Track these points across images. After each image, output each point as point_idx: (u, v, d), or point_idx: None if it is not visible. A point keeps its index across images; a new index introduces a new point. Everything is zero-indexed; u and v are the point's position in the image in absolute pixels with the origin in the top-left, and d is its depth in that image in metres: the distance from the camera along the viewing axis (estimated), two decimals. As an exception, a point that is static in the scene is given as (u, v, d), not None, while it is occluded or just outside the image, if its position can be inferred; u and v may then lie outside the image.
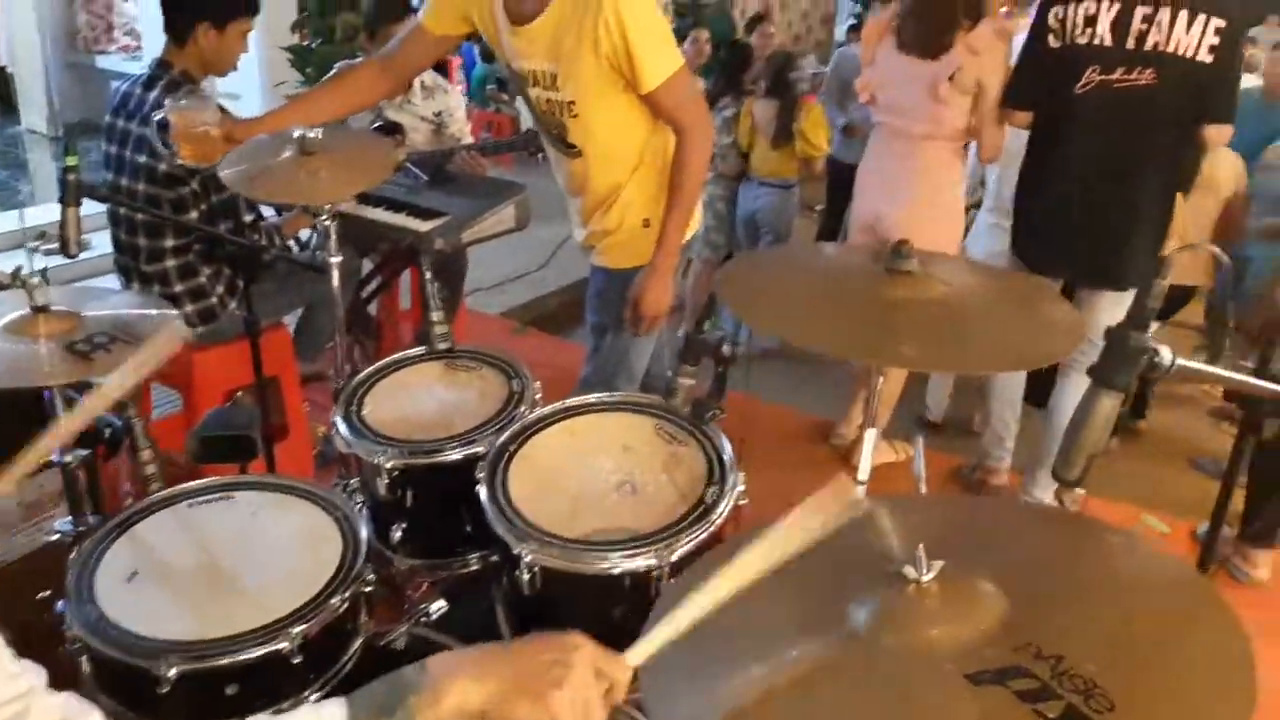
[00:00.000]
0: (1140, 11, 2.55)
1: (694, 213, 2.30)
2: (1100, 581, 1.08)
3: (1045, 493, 3.09)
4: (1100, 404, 0.99)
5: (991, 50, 2.91)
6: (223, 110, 2.52)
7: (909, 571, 0.98)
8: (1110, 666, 0.87)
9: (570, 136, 2.20)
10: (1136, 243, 2.76)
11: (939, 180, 3.09)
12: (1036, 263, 2.87)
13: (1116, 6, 2.56)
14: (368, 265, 3.57)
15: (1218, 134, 2.69)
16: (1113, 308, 2.82)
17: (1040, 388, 3.13)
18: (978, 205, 4.02)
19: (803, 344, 1.38)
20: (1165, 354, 1.00)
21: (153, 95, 2.55)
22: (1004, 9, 3.19)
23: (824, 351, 1.30)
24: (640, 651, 0.96)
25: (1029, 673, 0.87)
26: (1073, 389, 2.98)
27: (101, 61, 7.88)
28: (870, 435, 1.59)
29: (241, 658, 1.39)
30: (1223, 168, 3.60)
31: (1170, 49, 2.55)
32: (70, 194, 1.84)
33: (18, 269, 1.82)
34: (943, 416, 3.90)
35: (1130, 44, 2.58)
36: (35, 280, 1.72)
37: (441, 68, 6.64)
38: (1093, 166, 2.72)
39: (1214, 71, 2.57)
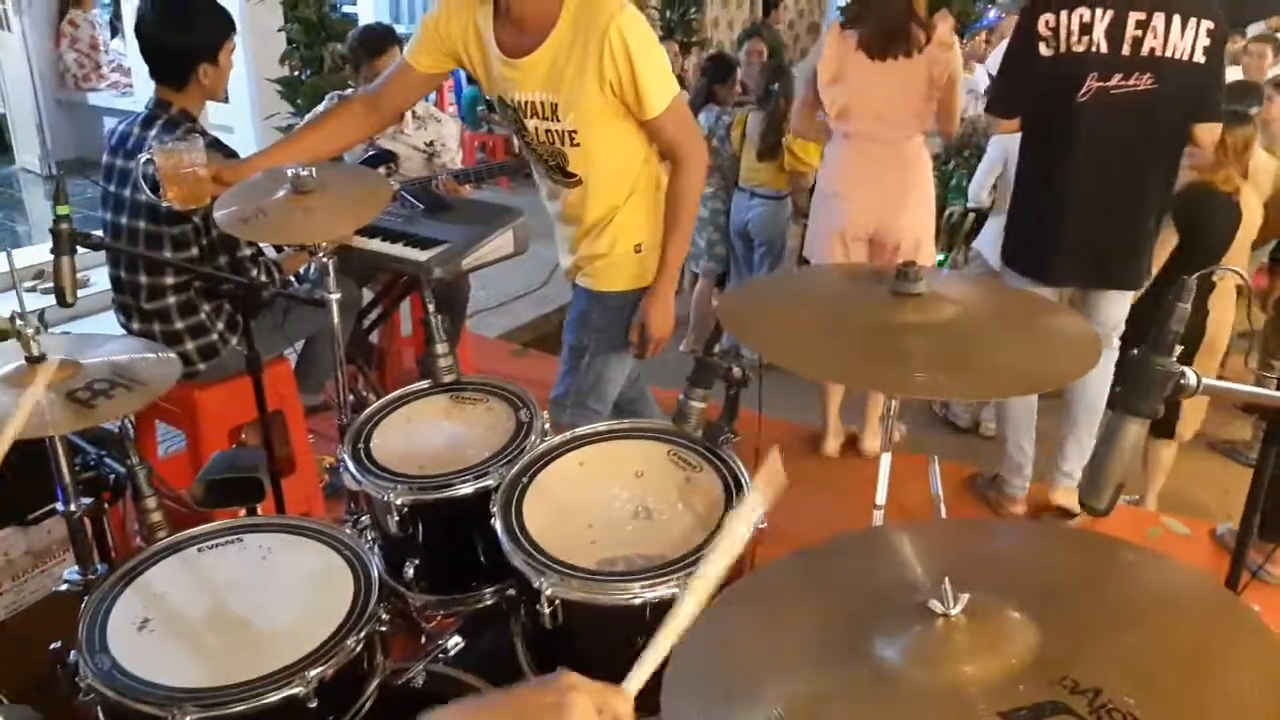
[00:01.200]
0: (1134, 18, 2.56)
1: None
2: (1130, 605, 1.05)
3: (1076, 471, 3.08)
4: (1126, 431, 0.98)
5: (954, 43, 3.04)
6: (219, 144, 2.51)
7: (936, 605, 0.96)
8: (1150, 698, 0.85)
9: (570, 165, 2.20)
10: (1143, 244, 2.79)
11: (919, 174, 3.18)
12: (1037, 272, 2.86)
13: (1110, 14, 2.57)
14: (368, 294, 3.56)
15: (1208, 132, 2.71)
16: (1120, 302, 2.86)
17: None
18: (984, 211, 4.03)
19: (812, 376, 1.36)
20: (1190, 376, 0.99)
21: (151, 134, 2.54)
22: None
23: (835, 382, 1.28)
24: (637, 679, 0.96)
25: (1067, 709, 0.84)
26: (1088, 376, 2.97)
27: (93, 99, 7.88)
28: (886, 459, 1.57)
29: (257, 704, 1.38)
30: (1261, 170, 3.58)
31: (1168, 54, 2.57)
32: (63, 245, 1.83)
33: (14, 314, 1.80)
34: (970, 422, 3.89)
35: (1126, 50, 2.58)
36: (30, 330, 1.71)
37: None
38: (1096, 173, 2.72)
39: (1206, 72, 2.61)
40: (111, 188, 2.64)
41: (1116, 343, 2.86)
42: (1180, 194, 3.00)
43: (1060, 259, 2.82)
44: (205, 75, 2.57)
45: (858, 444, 3.50)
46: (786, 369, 1.32)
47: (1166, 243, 2.98)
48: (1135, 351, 0.99)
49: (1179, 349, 1.01)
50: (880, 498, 1.57)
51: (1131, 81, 2.60)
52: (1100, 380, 2.98)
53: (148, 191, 2.35)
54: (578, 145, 2.15)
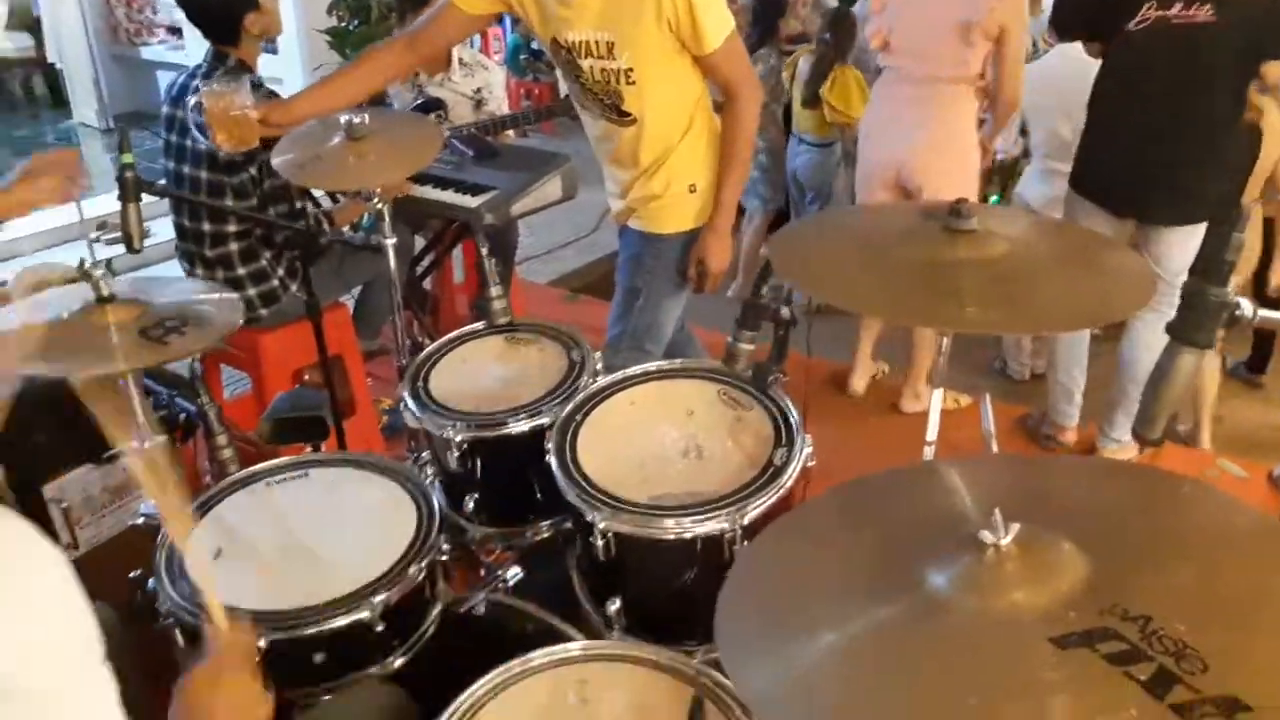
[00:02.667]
0: None
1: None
2: (1182, 537, 1.06)
3: (1124, 436, 3.06)
4: (1181, 362, 0.97)
5: None
6: (272, 94, 2.55)
7: (986, 536, 0.98)
8: (1200, 626, 0.86)
9: (626, 105, 2.20)
10: (1206, 177, 2.71)
11: (959, 123, 3.05)
12: (1101, 199, 2.81)
13: None
14: (420, 241, 3.61)
15: (1277, 70, 2.61)
16: (1184, 244, 2.78)
17: None
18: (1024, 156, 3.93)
19: (862, 311, 1.36)
20: (1246, 306, 0.98)
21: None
22: None
23: (885, 320, 1.28)
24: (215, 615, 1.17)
25: (1117, 635, 0.85)
26: (1143, 330, 2.93)
27: (146, 53, 7.98)
28: (937, 395, 1.58)
29: (327, 627, 1.44)
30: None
31: None
32: (129, 191, 1.88)
33: (81, 261, 1.87)
34: (1027, 375, 3.83)
35: None
36: (99, 272, 1.77)
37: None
38: (1153, 103, 2.67)
39: (1272, 8, 2.52)
40: (173, 138, 2.70)
41: (1176, 300, 2.79)
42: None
43: (1115, 187, 2.78)
44: (253, 24, 2.59)
45: (899, 404, 3.47)
46: (836, 305, 1.33)
47: None
48: (1189, 280, 0.98)
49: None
50: (931, 434, 1.57)
51: (1191, 11, 2.52)
52: (1154, 346, 2.93)
53: (198, 136, 2.37)
54: (633, 84, 2.15)
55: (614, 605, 1.58)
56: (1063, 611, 0.91)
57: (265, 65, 2.92)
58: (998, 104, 3.04)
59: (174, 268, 2.94)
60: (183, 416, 2.11)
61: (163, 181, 2.73)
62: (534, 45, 7.71)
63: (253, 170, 2.60)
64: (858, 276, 1.49)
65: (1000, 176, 4.58)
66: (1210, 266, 0.98)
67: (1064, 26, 2.83)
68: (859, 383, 3.50)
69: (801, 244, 1.71)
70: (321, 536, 1.63)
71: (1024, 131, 3.73)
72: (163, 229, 3.15)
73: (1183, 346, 0.98)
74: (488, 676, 1.31)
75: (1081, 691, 0.82)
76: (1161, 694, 0.80)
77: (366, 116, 2.10)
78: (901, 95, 3.07)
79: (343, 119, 2.12)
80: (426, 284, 3.68)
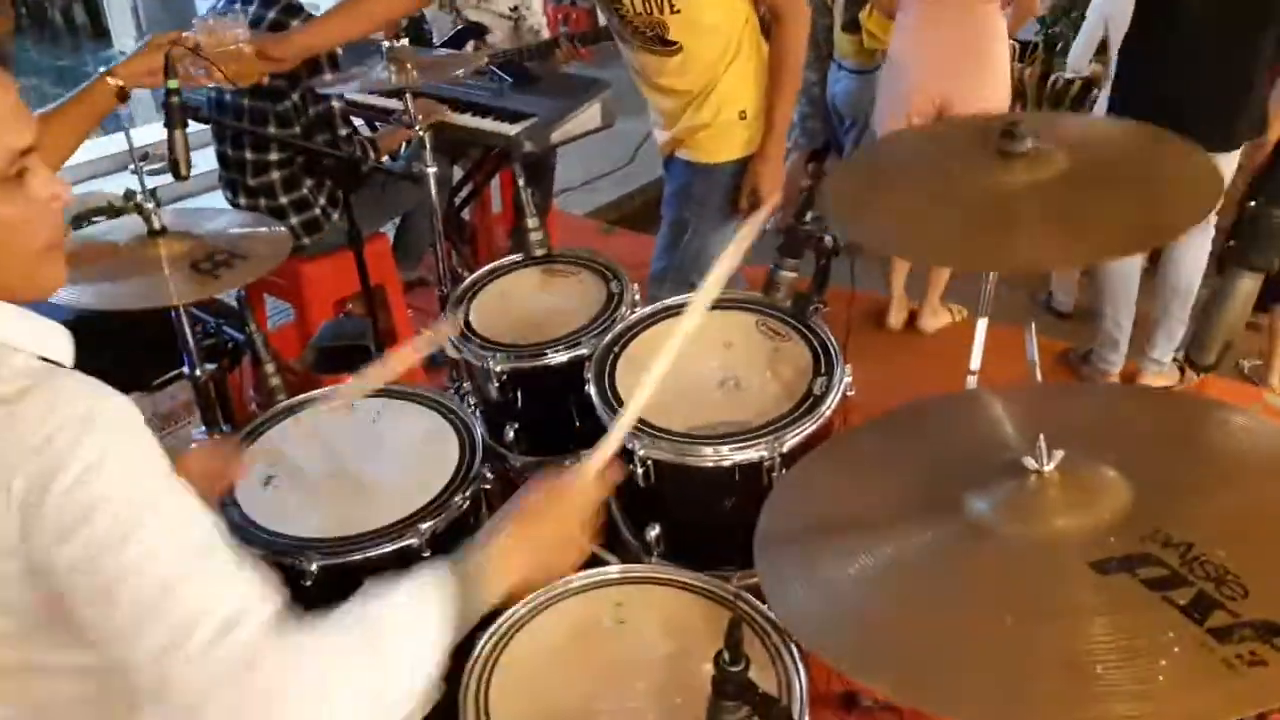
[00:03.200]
0: None
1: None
2: (1225, 465, 1.05)
3: (1165, 358, 3.03)
4: (1240, 286, 0.95)
5: None
6: (309, 18, 2.53)
7: (1029, 462, 0.98)
8: (1241, 552, 0.86)
9: (671, 34, 2.16)
10: (1245, 104, 2.69)
11: (991, 43, 3.00)
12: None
13: None
14: (458, 172, 3.60)
15: None
16: (1224, 169, 2.71)
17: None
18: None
19: (917, 259, 1.34)
20: (1308, 230, 0.95)
21: (253, 9, 2.58)
22: None
23: (940, 265, 1.25)
24: (599, 457, 1.15)
25: (1158, 560, 0.86)
26: (1186, 246, 2.89)
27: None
28: (982, 324, 1.56)
29: (376, 553, 1.48)
30: None
31: None
32: (175, 117, 1.90)
33: (129, 192, 1.89)
34: (1072, 306, 3.76)
35: None
36: (151, 204, 1.80)
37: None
38: (1200, 27, 2.61)
39: None
40: None
41: (1213, 219, 2.73)
42: None
43: (1154, 114, 2.70)
44: None
45: (916, 319, 3.45)
46: (902, 258, 1.30)
47: None
48: (1252, 203, 0.95)
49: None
50: (975, 363, 1.56)
51: None
52: (1194, 261, 2.87)
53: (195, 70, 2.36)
54: (678, 11, 2.11)
55: (653, 532, 1.60)
56: (1104, 537, 0.92)
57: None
58: (1019, 12, 3.03)
59: (217, 198, 2.97)
60: (230, 345, 2.15)
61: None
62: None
63: (295, 97, 2.59)
64: (911, 220, 1.44)
65: (1049, 106, 4.44)
66: (1272, 187, 0.95)
67: None
68: (896, 317, 3.48)
69: (851, 186, 1.64)
70: (368, 466, 1.66)
71: (1101, 51, 3.59)
72: (202, 160, 3.17)
73: (1242, 270, 0.95)
74: (525, 600, 1.34)
75: (1119, 615, 0.83)
76: (1200, 618, 0.81)
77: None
78: (939, 19, 2.99)
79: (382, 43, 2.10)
80: (465, 214, 3.68)
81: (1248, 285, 0.95)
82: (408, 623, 0.96)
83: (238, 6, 2.62)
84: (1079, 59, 3.85)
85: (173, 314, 1.93)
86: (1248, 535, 0.91)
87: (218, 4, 2.72)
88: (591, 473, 1.14)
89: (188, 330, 1.89)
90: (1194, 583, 0.84)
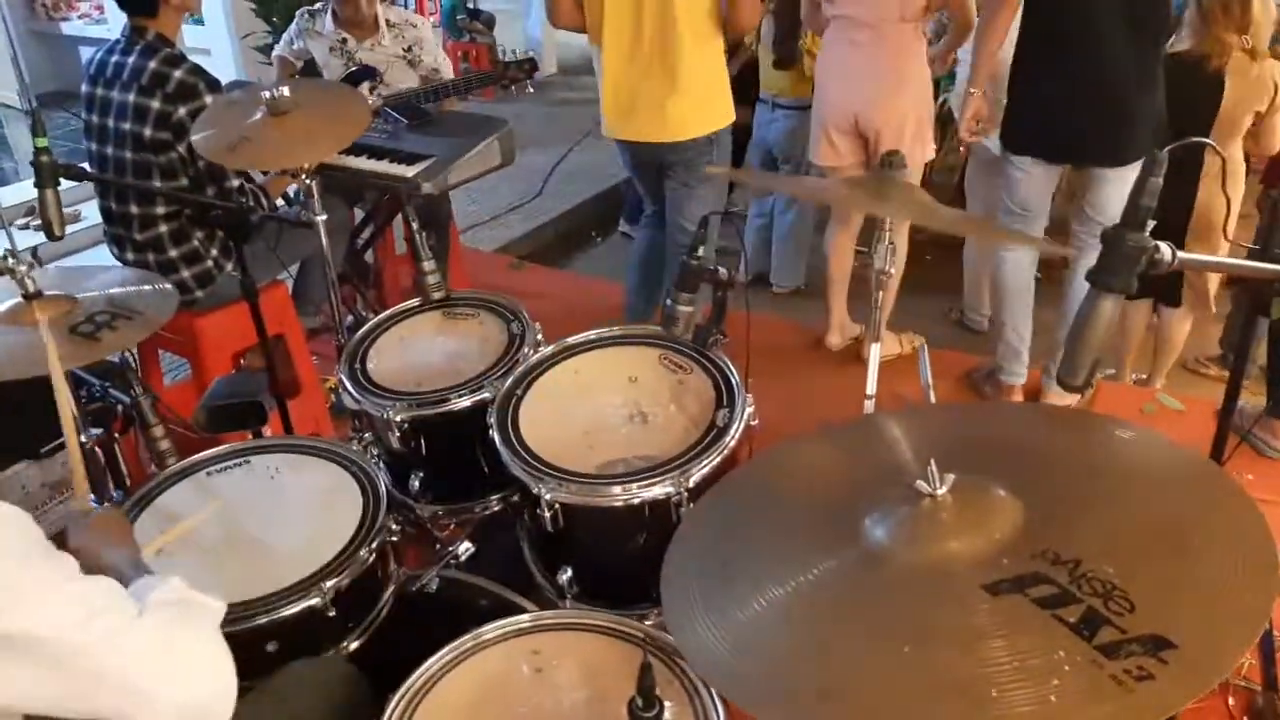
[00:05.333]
0: None
1: None
2: (1112, 480, 1.08)
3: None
4: (1101, 307, 0.99)
5: None
6: (200, 70, 2.48)
7: (922, 486, 0.99)
8: (1129, 566, 0.88)
9: None
10: (1137, 117, 2.76)
11: (908, 61, 3.06)
12: (1036, 149, 2.85)
13: None
14: (360, 213, 3.54)
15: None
16: (1119, 185, 2.82)
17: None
18: None
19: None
20: (1165, 250, 0.99)
21: (131, 60, 2.50)
22: None
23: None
24: None
25: (1047, 579, 0.87)
26: (1084, 267, 2.97)
27: (67, 28, 7.68)
28: (875, 349, 1.58)
29: (279, 615, 1.43)
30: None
31: None
32: (45, 177, 1.82)
33: (8, 252, 1.81)
34: (986, 325, 3.84)
35: None
36: (24, 267, 1.71)
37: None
38: (1087, 47, 2.70)
39: None
40: (94, 118, 2.60)
41: None
42: (1164, 62, 2.91)
43: (1049, 135, 2.82)
44: None
45: (861, 351, 3.48)
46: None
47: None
48: (1108, 228, 0.99)
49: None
50: (870, 387, 1.58)
51: None
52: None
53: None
54: None
55: (565, 574, 1.58)
56: (997, 558, 0.93)
57: (193, 36, 2.84)
58: (956, 22, 3.10)
59: (105, 252, 2.85)
60: (119, 408, 2.06)
61: (85, 165, 2.63)
62: (470, 5, 7.55)
63: (181, 149, 2.52)
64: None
65: (940, 127, 4.54)
66: (1127, 212, 0.99)
67: None
68: (836, 337, 3.51)
69: None
70: (267, 524, 1.60)
71: None
72: (92, 211, 3.06)
73: (1103, 292, 0.99)
74: (440, 653, 1.31)
75: (1012, 636, 0.84)
76: (1089, 635, 0.82)
77: (286, 90, 2.03)
78: (854, 40, 3.07)
79: (264, 94, 2.06)
80: (368, 257, 3.61)
81: (1109, 307, 0.99)
82: None
83: (115, 57, 2.55)
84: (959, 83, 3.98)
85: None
86: (1134, 548, 0.93)
87: (97, 53, 2.64)
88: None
89: (68, 396, 1.80)
90: (1083, 599, 0.85)
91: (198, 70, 2.52)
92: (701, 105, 2.80)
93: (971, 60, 2.98)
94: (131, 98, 2.49)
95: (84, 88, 2.63)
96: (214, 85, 2.55)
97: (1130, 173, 2.78)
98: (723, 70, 2.87)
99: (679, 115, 2.76)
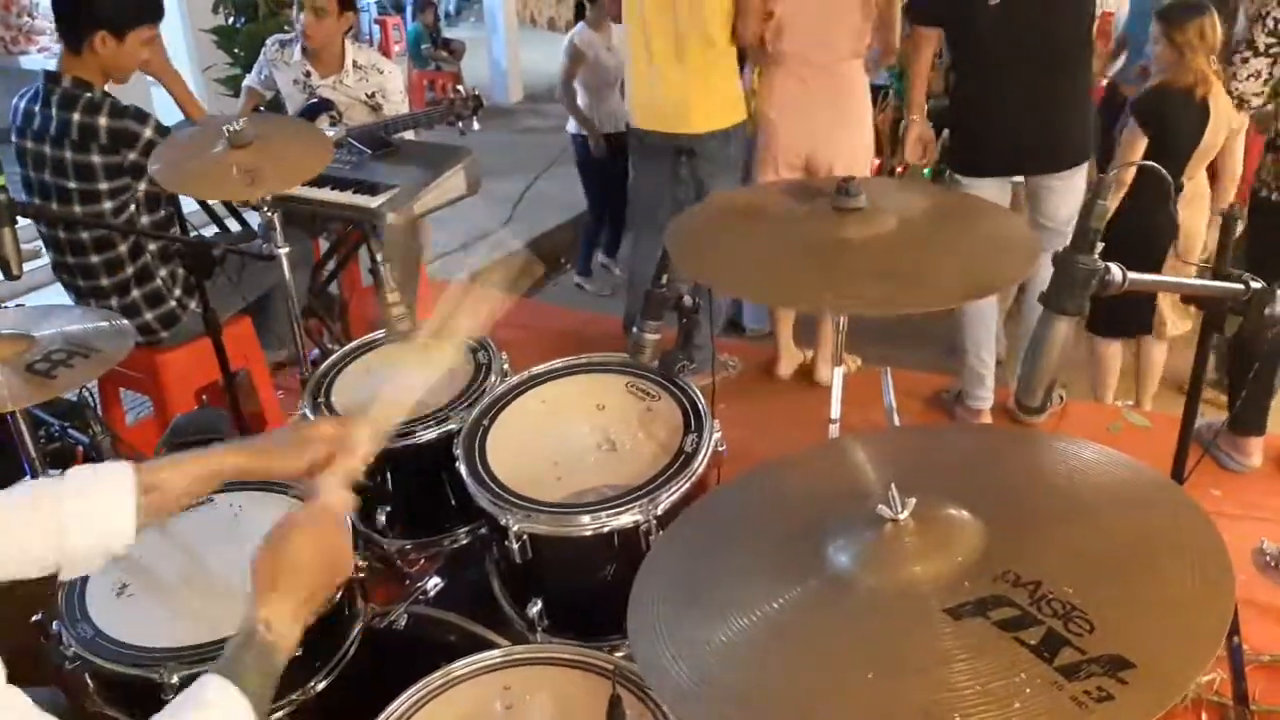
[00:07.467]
0: None
1: None
2: (1072, 500, 1.08)
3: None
4: (1055, 329, 1.00)
5: None
6: (140, 114, 2.45)
7: (884, 511, 0.99)
8: (1088, 587, 0.88)
9: None
10: (1070, 122, 2.90)
11: (851, 98, 3.19)
12: (987, 169, 2.95)
13: None
14: (325, 244, 3.52)
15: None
16: (1068, 191, 2.94)
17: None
18: None
19: (759, 300, 1.37)
20: (1115, 271, 1.01)
21: (54, 114, 2.46)
22: None
23: (788, 307, 1.28)
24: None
25: (1009, 601, 0.88)
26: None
27: (26, 62, 7.63)
28: (838, 374, 1.60)
29: (243, 658, 1.40)
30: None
31: None
32: (2, 215, 1.80)
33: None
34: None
35: None
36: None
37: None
38: (1017, 60, 2.82)
39: None
40: (30, 173, 2.56)
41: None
42: (1144, 95, 2.99)
43: (996, 152, 2.94)
44: (103, 44, 2.45)
45: (812, 372, 3.51)
46: (732, 295, 1.32)
47: (1136, 145, 2.97)
48: (1059, 252, 1.01)
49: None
50: (834, 412, 1.59)
51: None
52: None
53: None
54: None
55: (535, 607, 1.57)
56: (958, 582, 0.93)
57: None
58: (882, 49, 3.23)
59: (59, 290, 2.82)
60: (79, 448, 2.03)
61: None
62: (433, 35, 7.57)
63: (143, 187, 2.49)
64: (752, 264, 1.48)
65: (891, 145, 4.60)
66: (1076, 235, 1.01)
67: (929, 14, 2.98)
68: (785, 367, 3.54)
69: (696, 234, 1.68)
70: (231, 564, 1.57)
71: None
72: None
73: (1055, 314, 1.00)
74: (408, 693, 1.29)
75: (974, 660, 0.84)
76: (1050, 657, 0.82)
77: (242, 123, 2.02)
78: (804, 79, 3.14)
79: (224, 127, 2.05)
80: (333, 289, 3.59)
81: (1063, 328, 1.00)
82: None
83: (38, 107, 2.51)
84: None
85: (9, 419, 1.81)
86: (1093, 568, 0.93)
87: (19, 99, 2.59)
88: (332, 485, 1.19)
89: (26, 436, 1.77)
90: (1043, 621, 0.85)
91: (120, 111, 2.48)
92: (723, 101, 3.19)
93: (905, 94, 3.14)
94: (69, 155, 2.46)
95: (14, 139, 2.57)
96: (140, 116, 2.51)
97: (1072, 177, 2.92)
98: (736, 72, 3.24)
99: (705, 109, 3.14)
